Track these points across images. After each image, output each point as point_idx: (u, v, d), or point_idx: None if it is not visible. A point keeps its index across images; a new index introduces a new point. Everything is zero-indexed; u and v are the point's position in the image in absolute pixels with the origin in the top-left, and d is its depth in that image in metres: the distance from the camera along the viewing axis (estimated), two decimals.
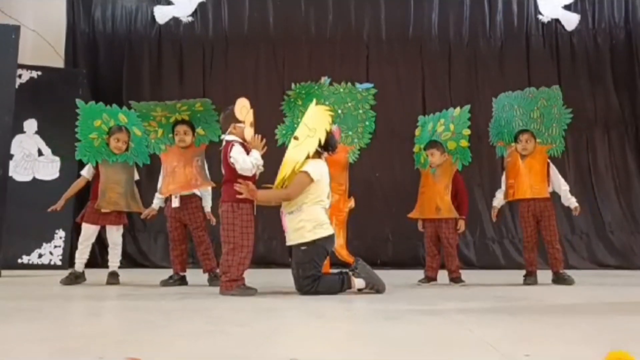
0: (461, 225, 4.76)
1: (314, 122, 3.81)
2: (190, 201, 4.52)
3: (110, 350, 1.75)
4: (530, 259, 4.85)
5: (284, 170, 3.76)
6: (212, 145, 4.57)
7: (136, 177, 4.89)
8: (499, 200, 5.05)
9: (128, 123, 4.79)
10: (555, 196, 4.92)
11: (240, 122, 3.79)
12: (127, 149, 4.78)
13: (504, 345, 1.86)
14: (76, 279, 4.63)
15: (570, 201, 4.89)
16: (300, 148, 3.77)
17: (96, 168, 4.73)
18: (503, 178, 5.01)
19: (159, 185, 4.62)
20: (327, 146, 3.84)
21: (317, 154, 3.83)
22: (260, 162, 3.76)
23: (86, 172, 4.82)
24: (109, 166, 4.70)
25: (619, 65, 7.79)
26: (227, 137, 3.83)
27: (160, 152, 4.60)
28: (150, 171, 5.70)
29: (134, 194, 4.80)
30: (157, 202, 4.71)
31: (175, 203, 4.49)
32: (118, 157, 4.73)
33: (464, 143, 4.77)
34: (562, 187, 4.89)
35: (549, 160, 4.87)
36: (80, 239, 4.74)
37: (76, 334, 2.17)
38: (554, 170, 4.90)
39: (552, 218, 4.80)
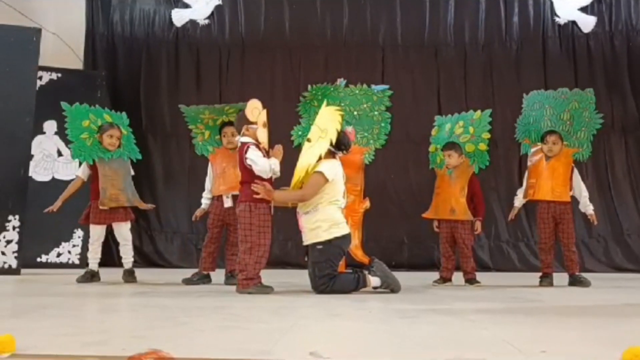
0: (478, 226, 4.77)
1: (325, 123, 3.85)
2: None
3: (133, 344, 1.79)
4: (546, 261, 4.82)
5: (299, 172, 3.80)
6: None
7: (132, 172, 4.90)
8: (519, 200, 5.00)
9: (113, 123, 4.83)
10: (573, 200, 4.87)
11: (252, 123, 3.81)
12: (119, 146, 4.80)
13: (520, 343, 1.87)
14: (92, 277, 4.70)
15: (587, 208, 4.88)
16: (312, 150, 3.80)
17: (92, 168, 4.74)
18: (525, 177, 4.95)
19: (207, 186, 4.72)
20: (340, 145, 3.86)
21: (331, 154, 3.85)
22: (277, 168, 3.79)
23: (81, 173, 4.86)
24: (106, 163, 4.71)
25: (636, 69, 7.67)
26: (241, 138, 3.87)
27: (208, 153, 4.73)
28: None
29: (133, 188, 4.85)
30: (206, 202, 4.76)
31: (228, 203, 4.54)
32: (113, 154, 4.75)
33: (483, 146, 4.78)
34: (582, 193, 4.85)
35: (573, 165, 4.82)
36: (90, 240, 4.79)
37: (99, 329, 2.20)
38: (577, 175, 4.85)
39: (571, 222, 4.77)
